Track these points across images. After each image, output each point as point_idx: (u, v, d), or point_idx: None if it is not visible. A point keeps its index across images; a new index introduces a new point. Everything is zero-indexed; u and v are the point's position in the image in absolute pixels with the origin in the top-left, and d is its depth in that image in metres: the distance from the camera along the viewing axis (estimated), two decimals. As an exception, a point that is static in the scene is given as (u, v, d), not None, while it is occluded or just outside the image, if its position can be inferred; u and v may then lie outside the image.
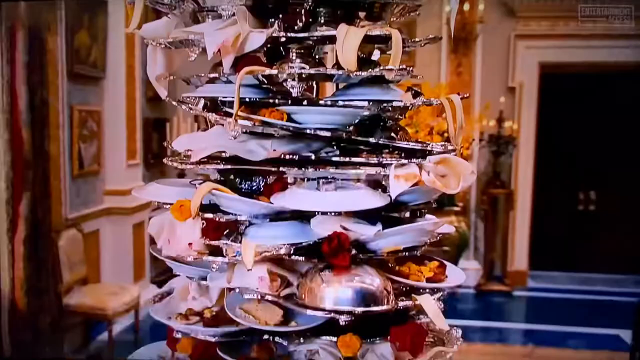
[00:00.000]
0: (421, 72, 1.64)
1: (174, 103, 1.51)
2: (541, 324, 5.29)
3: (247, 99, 1.35)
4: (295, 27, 1.35)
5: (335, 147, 1.39)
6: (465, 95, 1.43)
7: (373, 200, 1.29)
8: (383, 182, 1.36)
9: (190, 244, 1.37)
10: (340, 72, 1.29)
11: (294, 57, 1.36)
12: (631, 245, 6.32)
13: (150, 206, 5.47)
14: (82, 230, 4.44)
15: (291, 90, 1.32)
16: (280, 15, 1.35)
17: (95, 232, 4.84)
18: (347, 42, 1.26)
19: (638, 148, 6.31)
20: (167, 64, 1.60)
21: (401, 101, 1.36)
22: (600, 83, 6.30)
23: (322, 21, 1.37)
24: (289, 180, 1.40)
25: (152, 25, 1.56)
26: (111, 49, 4.92)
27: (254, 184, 1.43)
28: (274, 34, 1.30)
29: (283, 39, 1.33)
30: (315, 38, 1.33)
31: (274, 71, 1.29)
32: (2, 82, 3.58)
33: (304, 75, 1.29)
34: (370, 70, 1.30)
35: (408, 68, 1.35)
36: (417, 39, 1.50)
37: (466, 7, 6.00)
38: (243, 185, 1.43)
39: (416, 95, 1.42)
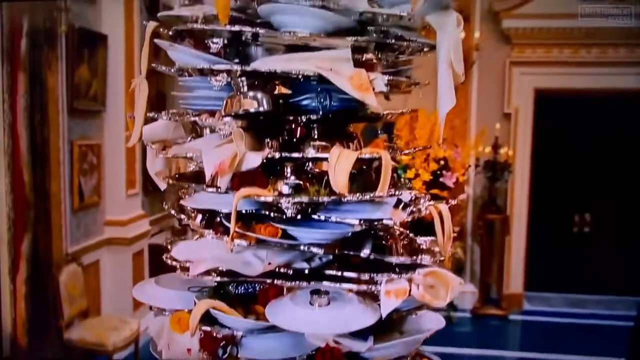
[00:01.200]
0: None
1: (172, 212, 1.57)
2: (536, 352, 5.35)
3: (244, 211, 1.41)
4: (291, 141, 1.41)
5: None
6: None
7: (364, 318, 1.35)
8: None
9: (188, 349, 1.43)
10: (331, 198, 1.35)
11: (288, 174, 1.41)
12: (626, 266, 6.40)
13: (149, 235, 5.55)
14: (82, 263, 4.50)
15: (285, 210, 1.38)
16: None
17: (95, 262, 4.90)
18: (339, 166, 1.33)
19: (631, 171, 6.39)
20: (166, 162, 1.67)
21: (391, 219, 1.42)
22: (593, 107, 6.37)
23: (316, 136, 1.43)
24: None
25: (151, 128, 1.63)
26: (111, 81, 4.97)
27: (250, 288, 1.49)
28: (269, 155, 1.36)
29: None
30: (309, 158, 1.39)
31: (269, 197, 1.35)
32: (3, 126, 3.65)
33: (297, 200, 1.35)
34: (360, 195, 1.36)
35: (397, 192, 1.41)
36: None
37: (462, 35, 6.06)
38: (239, 289, 1.49)
39: (405, 207, 1.48)
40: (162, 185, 1.68)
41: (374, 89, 1.38)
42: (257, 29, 1.31)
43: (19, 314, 3.74)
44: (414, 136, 6.00)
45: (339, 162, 1.32)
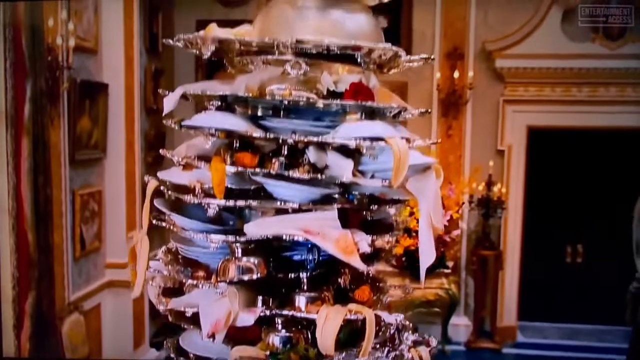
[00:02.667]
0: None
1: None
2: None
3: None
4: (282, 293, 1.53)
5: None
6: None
7: None
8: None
9: None
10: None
11: (280, 326, 1.53)
12: (617, 296, 6.51)
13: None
14: (83, 309, 4.61)
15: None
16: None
17: (96, 306, 5.01)
18: (326, 327, 1.44)
19: (621, 202, 6.51)
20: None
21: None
22: (585, 142, 6.48)
23: (305, 287, 1.55)
24: None
25: (154, 266, 1.75)
26: (111, 127, 5.09)
27: None
28: (261, 313, 1.48)
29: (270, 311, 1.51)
30: (298, 317, 1.50)
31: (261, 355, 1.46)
32: (8, 188, 3.76)
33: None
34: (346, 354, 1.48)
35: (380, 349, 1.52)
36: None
37: (456, 74, 6.20)
38: None
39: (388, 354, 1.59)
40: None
41: (358, 250, 1.49)
42: (250, 201, 1.42)
43: (23, 370, 3.86)
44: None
45: (326, 325, 1.44)
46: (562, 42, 6.07)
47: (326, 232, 1.46)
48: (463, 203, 6.25)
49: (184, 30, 6.57)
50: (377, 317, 1.52)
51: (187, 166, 1.52)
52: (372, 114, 1.51)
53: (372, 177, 1.50)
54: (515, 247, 6.37)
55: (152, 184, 1.62)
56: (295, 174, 1.44)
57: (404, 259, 5.96)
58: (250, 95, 1.47)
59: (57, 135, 4.27)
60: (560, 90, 6.26)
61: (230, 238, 1.44)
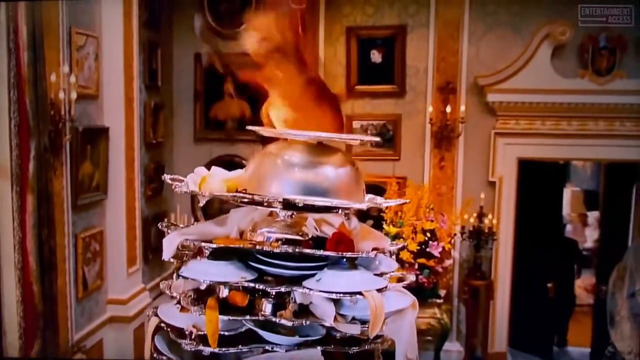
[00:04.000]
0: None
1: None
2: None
3: None
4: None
5: None
6: None
7: None
8: None
9: None
10: None
11: None
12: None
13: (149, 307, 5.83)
14: (86, 349, 4.78)
15: None
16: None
17: (99, 342, 5.18)
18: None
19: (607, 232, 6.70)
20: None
21: None
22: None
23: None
24: None
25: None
26: (112, 167, 5.24)
27: None
28: None
29: None
30: None
31: None
32: (14, 243, 3.92)
33: None
34: None
35: None
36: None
37: (449, 108, 6.36)
38: None
39: None
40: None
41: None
42: (240, 346, 1.58)
43: (29, 416, 4.03)
44: (402, 207, 6.29)
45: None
46: (552, 77, 6.22)
47: (311, 372, 1.63)
48: (455, 234, 6.43)
49: (183, 64, 6.74)
50: None
51: (183, 309, 1.67)
52: (353, 260, 1.67)
53: (353, 319, 1.66)
54: (505, 277, 6.54)
55: (153, 321, 1.77)
56: (282, 320, 1.60)
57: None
58: (242, 246, 1.62)
59: (60, 184, 4.42)
60: (551, 123, 6.41)
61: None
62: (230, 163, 6.60)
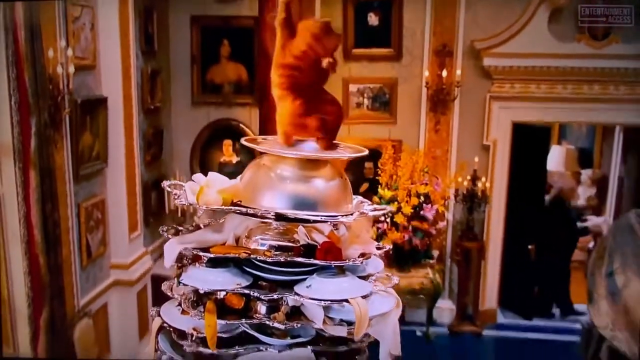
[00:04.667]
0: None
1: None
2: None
3: None
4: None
5: None
6: None
7: None
8: None
9: None
10: None
11: None
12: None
13: (151, 270, 6.02)
14: (91, 313, 4.99)
15: None
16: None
17: (103, 305, 5.39)
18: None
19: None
20: None
21: None
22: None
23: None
24: None
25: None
26: (112, 136, 5.32)
27: None
28: None
29: None
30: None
31: None
32: (19, 216, 4.06)
33: None
34: None
35: None
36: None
37: (445, 73, 6.39)
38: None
39: None
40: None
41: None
42: (237, 347, 1.73)
43: (40, 379, 4.27)
44: (397, 169, 6.41)
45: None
46: (549, 41, 6.24)
47: (301, 366, 1.78)
48: (448, 197, 6.58)
49: (179, 28, 6.73)
50: None
51: (184, 311, 1.81)
52: (341, 267, 1.80)
53: (341, 321, 1.80)
54: (497, 239, 6.72)
55: (156, 322, 1.91)
56: (275, 323, 1.74)
57: (391, 252, 6.31)
58: (238, 256, 1.75)
59: (61, 157, 4.52)
60: (546, 87, 6.45)
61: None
62: (228, 128, 6.71)
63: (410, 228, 6.27)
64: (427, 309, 6.69)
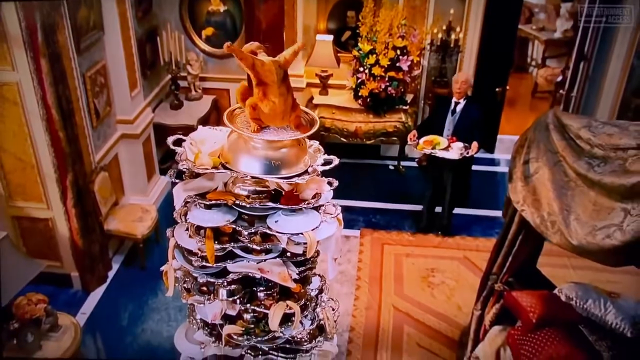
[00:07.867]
0: None
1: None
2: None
3: None
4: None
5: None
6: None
7: None
8: None
9: None
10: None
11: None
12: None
13: (152, 120, 6.72)
14: (106, 167, 5.81)
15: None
16: None
17: (114, 157, 6.19)
18: (274, 317, 2.68)
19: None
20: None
21: None
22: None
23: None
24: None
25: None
26: (105, 4, 5.68)
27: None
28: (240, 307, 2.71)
29: None
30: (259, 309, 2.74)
31: None
32: (37, 99, 4.68)
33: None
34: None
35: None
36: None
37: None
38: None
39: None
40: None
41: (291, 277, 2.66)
42: (229, 261, 2.56)
43: (73, 226, 5.22)
44: (376, 21, 6.84)
45: (274, 316, 2.67)
46: None
47: (272, 270, 2.61)
48: (424, 47, 7.08)
49: None
50: (305, 305, 2.77)
51: (192, 235, 2.60)
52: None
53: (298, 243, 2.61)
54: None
55: (172, 241, 2.70)
56: (253, 245, 2.55)
57: (369, 99, 7.02)
58: (229, 202, 2.50)
59: (63, 36, 4.95)
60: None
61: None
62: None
63: (386, 78, 6.87)
64: (399, 147, 7.57)
